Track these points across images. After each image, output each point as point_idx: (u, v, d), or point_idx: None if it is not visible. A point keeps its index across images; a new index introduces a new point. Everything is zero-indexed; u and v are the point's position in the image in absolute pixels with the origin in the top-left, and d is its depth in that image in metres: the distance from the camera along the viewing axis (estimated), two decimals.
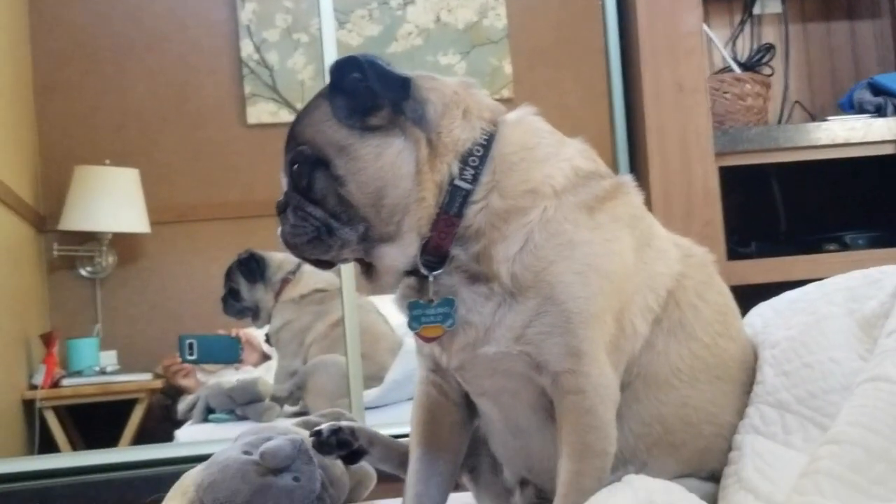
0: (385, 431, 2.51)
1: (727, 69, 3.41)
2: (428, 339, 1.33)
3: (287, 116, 4.34)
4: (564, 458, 1.28)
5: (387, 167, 1.29)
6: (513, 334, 1.27)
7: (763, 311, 1.62)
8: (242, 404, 3.34)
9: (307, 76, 4.40)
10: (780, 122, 3.64)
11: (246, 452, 1.46)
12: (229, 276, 3.72)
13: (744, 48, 3.67)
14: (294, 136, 1.34)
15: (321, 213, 1.31)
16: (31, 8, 4.27)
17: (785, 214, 3.48)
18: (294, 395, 3.44)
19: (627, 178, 1.42)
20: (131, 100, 4.36)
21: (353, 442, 1.52)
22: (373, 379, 3.22)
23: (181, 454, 2.84)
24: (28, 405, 3.75)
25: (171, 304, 4.29)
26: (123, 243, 4.35)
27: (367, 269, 1.37)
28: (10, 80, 4.05)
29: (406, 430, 1.50)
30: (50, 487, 2.65)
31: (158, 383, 3.93)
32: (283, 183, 1.36)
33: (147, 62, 4.37)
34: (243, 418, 3.32)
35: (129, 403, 3.86)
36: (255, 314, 3.71)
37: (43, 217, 4.24)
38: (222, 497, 1.40)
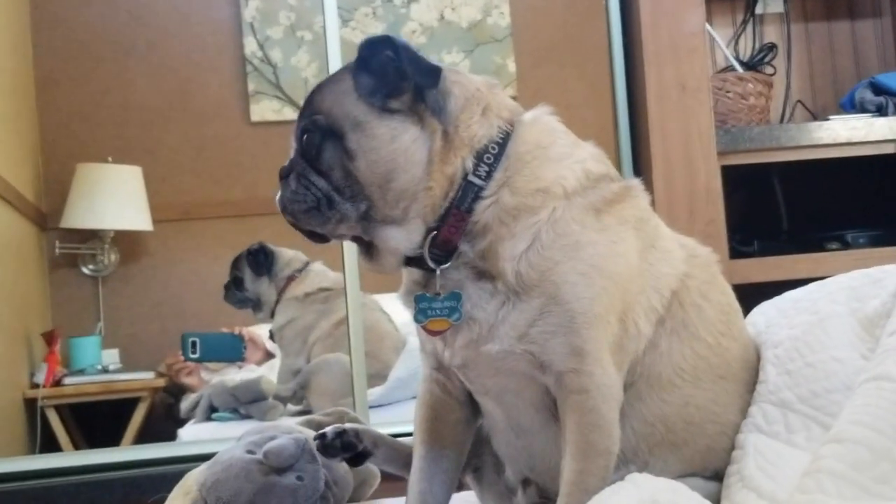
0: (389, 430, 2.51)
1: (730, 68, 3.41)
2: (434, 333, 1.33)
3: (291, 114, 4.34)
4: (568, 458, 1.28)
5: (400, 151, 1.29)
6: (516, 333, 1.27)
7: (766, 310, 1.62)
8: (246, 403, 3.34)
9: (311, 74, 4.40)
10: (782, 121, 3.64)
11: (249, 451, 1.46)
12: (236, 264, 3.73)
13: (746, 48, 3.67)
14: (311, 104, 1.34)
15: (324, 184, 1.31)
16: (33, 4, 4.27)
17: (787, 213, 3.48)
18: (297, 394, 3.44)
19: (636, 182, 1.42)
20: (134, 97, 4.36)
21: (357, 444, 1.52)
22: (377, 377, 3.22)
23: (184, 453, 2.84)
24: (30, 404, 3.75)
25: (173, 302, 4.30)
26: (126, 241, 4.35)
27: (368, 249, 1.37)
28: (12, 76, 4.05)
29: (410, 428, 1.50)
30: (52, 487, 2.65)
31: (161, 382, 3.93)
32: (291, 149, 1.36)
33: (150, 59, 4.37)
34: (247, 417, 3.32)
35: (131, 402, 3.86)
36: (255, 306, 3.72)
37: (45, 215, 4.24)
38: (226, 496, 1.41)
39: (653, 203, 1.45)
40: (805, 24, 3.81)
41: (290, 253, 3.69)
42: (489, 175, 1.30)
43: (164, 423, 3.79)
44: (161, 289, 4.33)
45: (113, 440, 3.72)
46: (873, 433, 1.16)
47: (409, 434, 1.50)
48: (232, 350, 3.80)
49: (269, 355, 3.94)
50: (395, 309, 3.35)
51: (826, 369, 1.40)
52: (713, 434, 1.42)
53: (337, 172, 1.30)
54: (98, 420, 3.86)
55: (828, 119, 3.18)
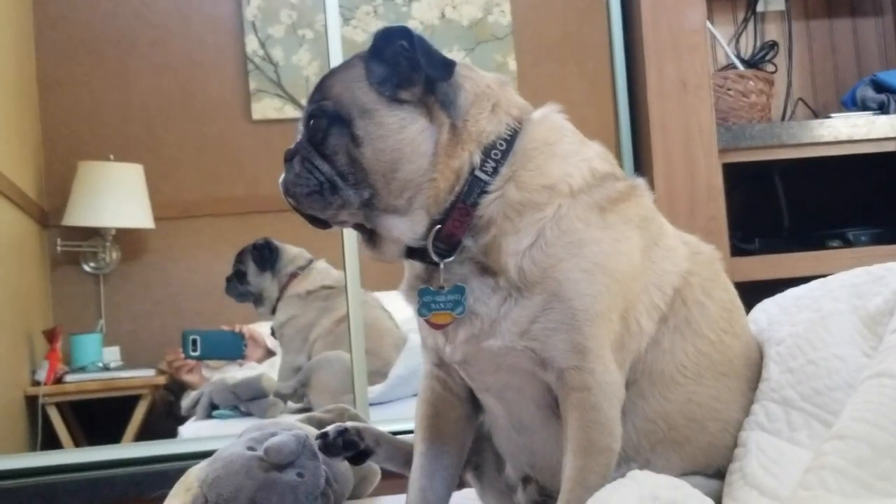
0: (389, 427, 2.51)
1: (731, 66, 3.41)
2: (437, 327, 1.33)
3: (292, 112, 4.35)
4: (569, 455, 1.27)
5: (407, 141, 1.29)
6: (518, 329, 1.27)
7: (768, 307, 1.62)
8: (246, 400, 3.34)
9: (312, 72, 4.40)
10: (783, 118, 3.64)
11: (250, 448, 1.46)
12: (240, 258, 3.74)
13: (747, 45, 3.67)
14: (321, 89, 1.34)
15: (328, 168, 1.31)
16: (36, 3, 4.27)
17: (788, 211, 3.48)
18: (298, 391, 3.44)
19: (640, 181, 1.42)
20: (135, 95, 4.36)
21: (359, 443, 1.52)
22: (377, 375, 3.22)
23: (185, 450, 2.84)
24: (31, 401, 3.76)
25: (174, 299, 4.30)
26: (127, 239, 4.35)
27: (371, 237, 1.37)
28: (14, 75, 4.06)
29: (411, 426, 1.50)
30: (53, 484, 2.65)
31: (162, 379, 3.94)
32: (298, 132, 1.36)
33: (151, 58, 4.37)
34: (247, 414, 3.32)
35: (132, 399, 3.87)
36: (256, 300, 3.72)
37: (46, 212, 4.24)
38: (226, 493, 1.41)
39: (655, 201, 1.45)
40: (806, 22, 3.81)
41: (294, 250, 3.69)
42: (496, 171, 1.30)
43: (164, 421, 3.80)
44: (162, 286, 4.33)
45: (114, 437, 3.72)
46: (875, 430, 1.16)
47: (410, 431, 1.50)
48: (232, 348, 3.80)
49: (270, 353, 3.95)
50: (396, 307, 3.36)
51: (828, 367, 1.39)
52: (715, 431, 1.42)
53: (342, 158, 1.30)
54: (99, 417, 3.86)
55: (829, 117, 3.17)
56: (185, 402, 3.57)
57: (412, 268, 1.38)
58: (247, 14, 4.44)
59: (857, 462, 1.14)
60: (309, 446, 1.48)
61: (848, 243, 3.10)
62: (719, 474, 1.41)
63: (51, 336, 3.90)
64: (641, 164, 3.02)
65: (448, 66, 1.31)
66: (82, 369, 3.94)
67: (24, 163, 4.08)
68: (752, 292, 1.69)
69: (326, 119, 1.31)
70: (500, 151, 1.31)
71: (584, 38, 3.65)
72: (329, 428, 1.52)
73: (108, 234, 4.28)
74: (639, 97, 3.03)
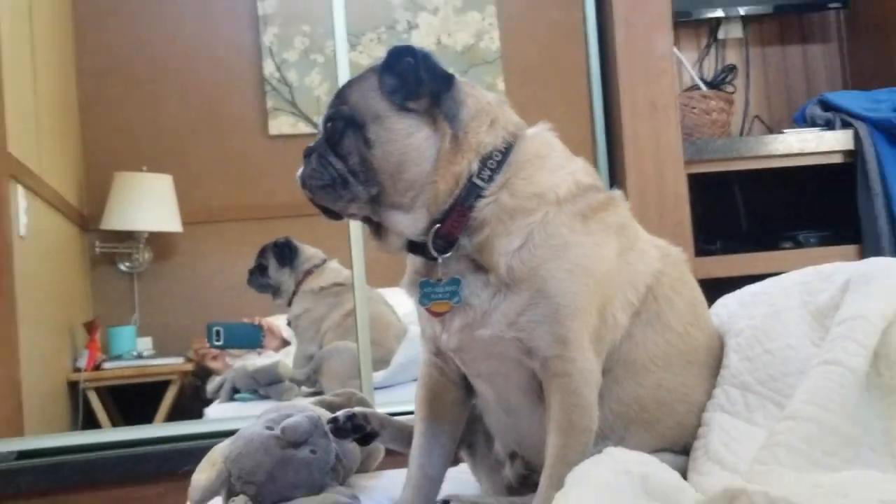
0: (392, 409, 2.51)
1: (695, 87, 3.42)
2: (436, 314, 1.33)
3: (305, 129, 4.35)
4: (552, 434, 1.28)
5: (413, 146, 1.29)
6: (507, 320, 1.28)
7: (728, 302, 1.63)
8: (265, 385, 3.34)
9: (323, 92, 4.39)
10: (741, 134, 3.65)
11: (268, 428, 1.46)
12: (262, 253, 3.73)
13: (709, 69, 3.68)
14: (340, 96, 1.35)
15: (342, 166, 1.31)
16: (76, 32, 4.27)
17: (746, 216, 3.49)
18: (311, 377, 3.43)
19: (618, 193, 1.43)
20: (165, 113, 4.35)
21: (366, 426, 1.53)
22: (381, 362, 3.22)
23: (210, 430, 2.83)
24: (72, 386, 3.75)
25: (200, 295, 4.29)
26: (158, 241, 4.35)
27: (377, 230, 1.37)
28: (58, 96, 4.06)
29: (411, 407, 1.50)
30: (93, 460, 2.65)
31: (189, 366, 3.93)
32: (318, 132, 1.37)
33: (180, 80, 4.37)
34: (265, 398, 3.32)
35: (163, 384, 3.86)
36: (275, 292, 3.72)
37: (86, 218, 4.24)
38: (247, 468, 1.41)
39: (629, 209, 1.45)
40: (762, 48, 3.82)
41: (311, 250, 3.69)
42: (491, 178, 1.31)
43: (192, 403, 3.79)
44: (189, 283, 4.32)
45: (147, 418, 3.71)
46: (823, 412, 1.16)
47: (411, 413, 1.50)
48: (252, 338, 3.80)
49: (286, 343, 3.94)
50: (398, 302, 3.37)
51: (781, 355, 1.40)
52: (682, 413, 1.42)
53: (354, 157, 1.31)
54: (133, 400, 3.86)
55: (782, 132, 3.18)
56: (210, 386, 3.56)
57: (413, 264, 1.39)
58: (264, 41, 4.44)
59: (807, 440, 1.14)
60: (321, 426, 1.48)
61: (799, 245, 3.10)
62: (685, 451, 1.41)
63: (90, 328, 3.89)
64: (616, 176, 3.02)
65: (447, 79, 1.32)
66: (118, 357, 3.93)
67: (67, 174, 4.07)
68: (714, 289, 1.69)
69: (343, 122, 1.32)
70: (496, 162, 1.32)
71: (565, 62, 3.64)
72: (339, 413, 1.52)
73: (141, 237, 4.27)
74: (613, 116, 3.03)
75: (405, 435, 1.54)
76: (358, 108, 1.32)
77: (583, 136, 3.08)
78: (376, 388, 3.01)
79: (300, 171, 1.36)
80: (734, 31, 3.76)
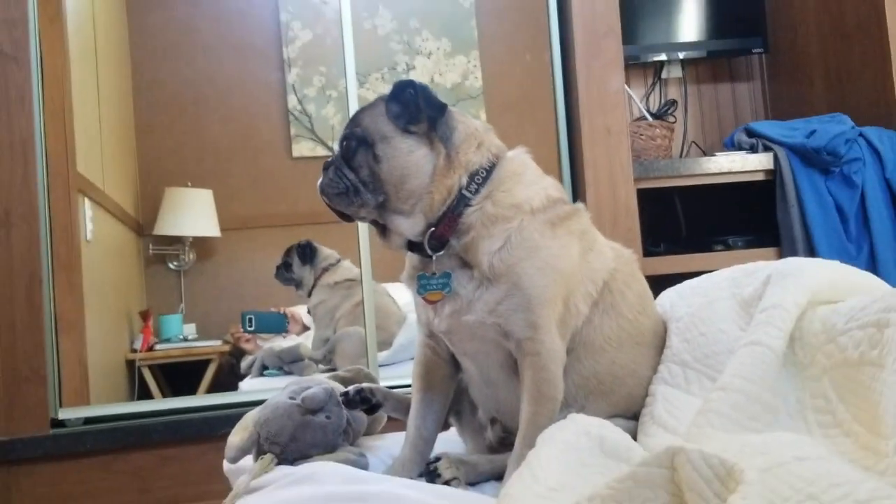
0: (393, 383, 2.51)
1: (642, 118, 3.42)
2: (431, 302, 1.33)
3: (322, 152, 4.34)
4: (525, 403, 1.28)
5: (413, 162, 1.30)
6: (488, 308, 1.28)
7: (670, 294, 1.63)
8: (288, 363, 3.33)
9: (336, 122, 4.38)
10: (681, 156, 3.65)
11: (291, 398, 1.45)
12: (288, 253, 3.73)
13: (654, 103, 3.69)
14: (354, 119, 1.35)
15: (354, 177, 1.31)
16: (134, 71, 4.25)
17: (685, 223, 3.50)
18: (326, 356, 3.42)
19: (581, 206, 1.44)
20: (207, 138, 4.34)
21: (371, 398, 1.54)
22: (385, 344, 3.22)
23: (243, 400, 2.83)
24: (130, 364, 3.74)
25: (235, 288, 4.28)
26: (201, 245, 4.33)
27: (383, 231, 1.37)
28: (118, 124, 4.04)
29: (409, 381, 1.50)
30: (146, 425, 2.64)
31: (227, 347, 3.91)
32: (335, 150, 1.37)
33: (219, 110, 4.35)
34: (289, 373, 3.31)
35: (204, 362, 3.85)
36: (297, 285, 3.71)
37: (142, 225, 4.22)
38: (273, 431, 1.40)
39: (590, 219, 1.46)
40: (697, 86, 3.82)
41: (328, 251, 3.69)
42: (477, 191, 1.31)
43: (228, 378, 3.77)
44: (226, 279, 4.31)
45: (191, 390, 3.70)
46: (748, 384, 1.16)
47: (409, 385, 1.49)
48: (278, 324, 3.79)
49: (306, 328, 3.93)
50: (399, 294, 3.36)
51: (714, 338, 1.40)
52: (632, 385, 1.42)
53: (364, 170, 1.31)
54: (180, 376, 3.84)
55: (714, 155, 3.19)
56: (244, 364, 3.55)
57: (411, 260, 1.39)
58: (289, 79, 4.43)
59: (734, 407, 1.14)
60: (334, 396, 1.47)
61: (728, 247, 3.11)
62: (635, 417, 1.41)
63: (144, 316, 3.88)
64: (578, 190, 3.02)
65: (440, 108, 1.33)
66: (168, 340, 3.92)
67: (126, 188, 4.06)
68: (659, 283, 1.69)
69: (356, 141, 1.32)
70: (482, 178, 1.32)
71: (536, 97, 3.64)
72: (350, 388, 1.53)
73: (186, 241, 4.25)
74: (575, 141, 3.03)
75: (404, 405, 1.54)
76: (368, 129, 1.32)
77: (551, 158, 3.08)
78: (381, 366, 3.00)
79: (320, 180, 1.36)
80: (675, 72, 3.76)
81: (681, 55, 3.63)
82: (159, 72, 4.31)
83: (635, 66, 3.70)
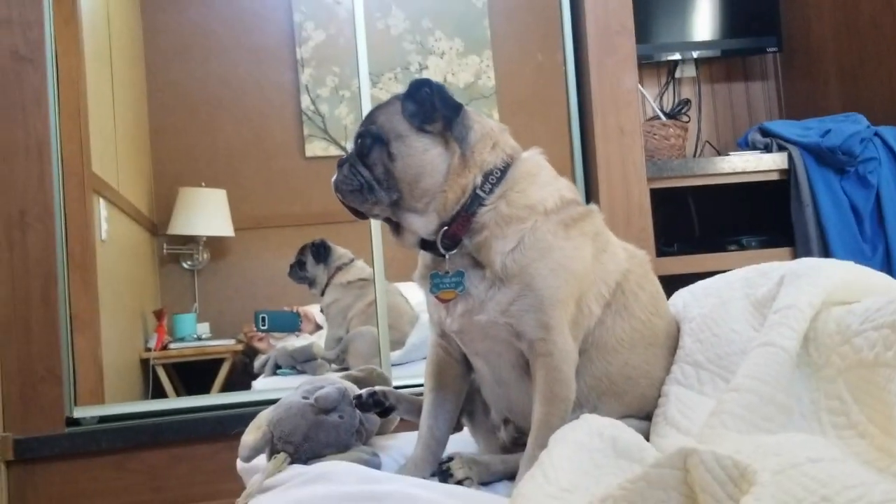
0: (406, 382, 2.51)
1: (656, 117, 3.41)
2: (444, 301, 1.33)
3: (335, 151, 4.35)
4: (537, 403, 1.28)
5: (428, 161, 1.29)
6: (500, 308, 1.28)
7: (683, 294, 1.62)
8: (301, 362, 3.34)
9: (349, 122, 4.39)
10: (694, 156, 3.64)
11: (304, 397, 1.46)
12: (302, 251, 3.74)
13: (668, 102, 3.68)
14: (370, 117, 1.35)
15: (368, 174, 1.31)
16: (148, 72, 4.27)
17: (698, 223, 3.49)
18: (339, 356, 3.43)
19: (595, 207, 1.43)
20: (221, 138, 4.35)
21: (384, 401, 1.53)
22: (397, 344, 3.22)
23: (257, 399, 2.84)
24: (144, 363, 3.75)
25: (248, 288, 4.29)
26: (214, 244, 4.35)
27: (396, 228, 1.37)
28: (132, 125, 4.07)
29: (421, 380, 1.50)
30: (160, 423, 2.65)
31: (240, 347, 3.93)
32: (350, 147, 1.37)
33: (233, 111, 4.37)
34: (302, 372, 3.32)
35: (218, 361, 3.86)
36: (310, 284, 3.72)
37: (156, 224, 4.24)
38: (287, 430, 1.40)
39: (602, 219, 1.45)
40: (711, 85, 3.81)
41: (341, 250, 3.69)
42: (491, 191, 1.31)
43: (241, 377, 3.79)
44: (240, 278, 4.32)
45: (204, 389, 3.71)
46: (762, 384, 1.16)
47: (421, 385, 1.49)
48: (291, 323, 3.80)
49: (319, 327, 3.94)
50: (411, 294, 3.37)
51: (727, 338, 1.39)
52: (645, 386, 1.41)
53: (379, 168, 1.31)
54: (193, 374, 3.86)
55: (728, 155, 3.18)
56: (257, 363, 3.56)
57: (423, 259, 1.39)
58: (302, 79, 4.44)
59: (748, 408, 1.14)
60: (347, 396, 1.47)
61: (742, 247, 3.10)
62: (648, 417, 1.41)
63: (159, 315, 3.90)
64: (591, 190, 3.01)
65: (456, 108, 1.32)
66: (182, 339, 3.93)
67: (141, 189, 4.08)
68: (673, 284, 1.69)
69: (371, 139, 1.32)
70: (496, 178, 1.32)
71: (549, 96, 3.63)
72: (363, 391, 1.52)
73: (200, 240, 4.27)
74: (588, 140, 3.02)
75: (417, 408, 1.54)
76: (384, 127, 1.32)
77: (563, 157, 3.08)
78: (393, 365, 3.01)
79: (334, 177, 1.36)
80: (689, 71, 3.75)
81: (695, 54, 3.61)
82: (173, 72, 4.33)
83: (649, 65, 3.69)
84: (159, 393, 3.69)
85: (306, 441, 1.40)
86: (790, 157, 3.01)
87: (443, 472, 1.35)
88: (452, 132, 1.31)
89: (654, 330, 1.44)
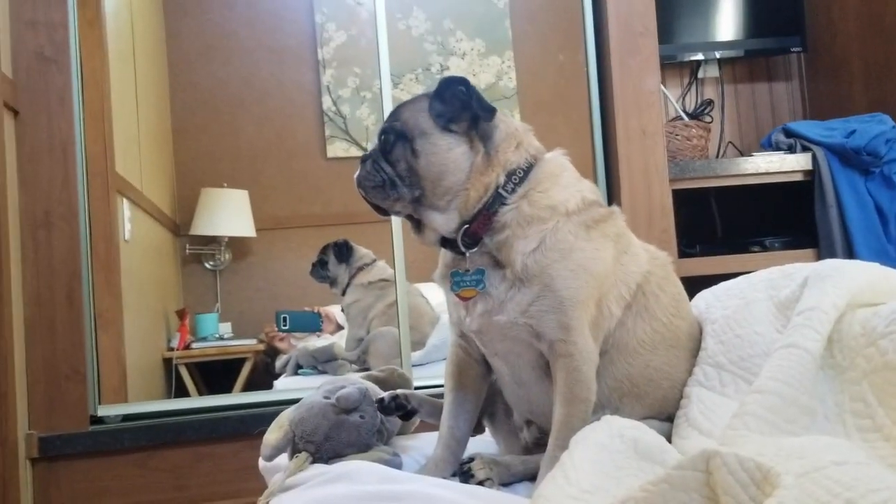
0: (426, 383, 2.51)
1: (678, 118, 3.40)
2: (464, 299, 1.33)
3: (356, 152, 4.36)
4: (557, 405, 1.27)
5: (451, 159, 1.30)
6: (520, 309, 1.28)
7: (706, 296, 1.61)
8: (322, 362, 3.35)
9: (370, 123, 4.40)
10: (717, 156, 3.62)
11: (326, 397, 1.47)
12: (324, 250, 3.75)
13: (690, 102, 3.66)
14: (395, 114, 1.35)
15: (391, 170, 1.31)
16: (170, 74, 4.30)
17: (721, 224, 3.47)
18: (360, 356, 3.44)
19: (616, 209, 1.43)
20: (243, 139, 4.38)
21: (406, 405, 1.54)
22: (418, 344, 3.23)
23: (278, 398, 2.85)
24: (167, 362, 3.78)
25: (270, 288, 4.31)
26: (236, 244, 4.37)
27: (417, 225, 1.38)
28: (155, 126, 4.10)
29: (441, 381, 1.50)
30: (182, 422, 2.67)
31: (261, 346, 3.95)
32: (374, 143, 1.37)
33: (254, 112, 4.39)
34: (323, 372, 3.33)
35: (240, 361, 3.88)
36: (332, 283, 3.73)
37: (178, 225, 4.27)
38: (308, 430, 1.41)
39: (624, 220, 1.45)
40: (735, 85, 3.79)
41: (363, 250, 3.71)
42: (514, 190, 1.31)
43: (263, 377, 3.81)
44: (261, 279, 4.35)
45: (227, 388, 3.74)
46: (784, 386, 1.15)
47: (441, 385, 1.50)
48: (312, 323, 3.81)
49: (340, 327, 3.95)
50: (432, 294, 3.37)
51: (750, 340, 1.39)
52: (667, 388, 1.41)
53: (402, 165, 1.31)
54: (216, 374, 3.88)
55: (752, 155, 3.16)
56: (278, 363, 3.58)
57: (444, 258, 1.39)
58: (323, 80, 4.46)
59: (771, 410, 1.13)
60: (368, 396, 1.48)
61: (765, 248, 3.08)
62: (670, 419, 1.40)
63: (181, 315, 3.92)
64: (612, 191, 3.00)
65: (491, 111, 1.32)
66: (204, 339, 3.96)
67: (163, 189, 4.11)
68: (695, 285, 1.68)
69: (394, 135, 1.32)
70: (519, 177, 1.32)
71: (571, 97, 3.63)
72: (385, 394, 1.53)
73: (222, 240, 4.30)
74: (610, 141, 3.02)
75: (439, 410, 1.54)
76: (408, 124, 1.32)
77: (585, 158, 3.07)
78: (414, 366, 3.01)
79: (357, 173, 1.36)
80: (711, 71, 3.73)
81: (718, 54, 3.59)
82: (195, 74, 4.36)
83: (671, 65, 3.67)
84: (182, 392, 3.71)
85: (328, 440, 1.41)
86: (814, 158, 2.98)
87: (464, 473, 1.35)
88: (477, 131, 1.32)
89: (676, 332, 1.43)
